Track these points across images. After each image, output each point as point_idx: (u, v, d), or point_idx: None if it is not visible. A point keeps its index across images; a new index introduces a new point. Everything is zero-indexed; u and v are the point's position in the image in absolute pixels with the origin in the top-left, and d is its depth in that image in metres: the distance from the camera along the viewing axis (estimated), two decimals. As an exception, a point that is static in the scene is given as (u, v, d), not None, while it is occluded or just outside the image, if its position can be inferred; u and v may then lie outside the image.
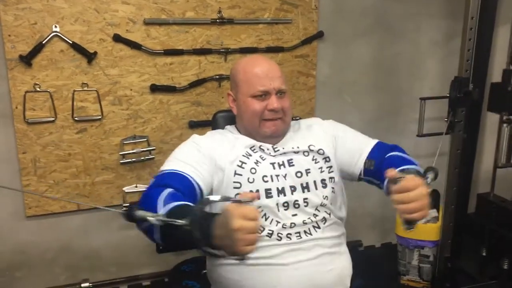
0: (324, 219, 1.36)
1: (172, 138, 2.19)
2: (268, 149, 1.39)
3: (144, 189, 2.12)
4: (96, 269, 2.26)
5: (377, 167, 1.37)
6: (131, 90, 2.08)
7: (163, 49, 2.08)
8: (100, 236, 2.23)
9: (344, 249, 1.42)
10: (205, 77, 2.17)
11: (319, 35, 2.32)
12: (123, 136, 2.12)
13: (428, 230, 2.19)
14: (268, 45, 2.23)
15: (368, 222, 2.72)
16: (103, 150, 2.11)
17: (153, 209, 1.03)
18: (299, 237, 1.31)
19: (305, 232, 1.32)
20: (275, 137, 1.41)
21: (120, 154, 2.11)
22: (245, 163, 1.34)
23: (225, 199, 0.97)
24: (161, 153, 2.18)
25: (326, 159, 1.42)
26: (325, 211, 1.37)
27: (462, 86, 1.82)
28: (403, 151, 1.42)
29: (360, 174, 1.44)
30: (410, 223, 1.07)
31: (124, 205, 2.16)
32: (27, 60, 1.90)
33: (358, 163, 1.43)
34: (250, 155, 1.36)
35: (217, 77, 2.18)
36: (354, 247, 2.63)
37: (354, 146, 1.46)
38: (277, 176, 1.35)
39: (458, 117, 1.86)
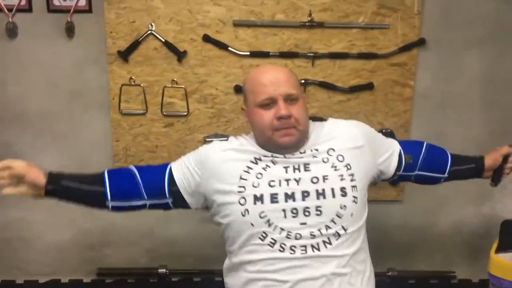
0: (338, 234, 1.24)
1: (253, 140, 2.19)
2: (280, 156, 1.32)
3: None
4: (174, 257, 2.36)
5: (420, 159, 1.50)
6: (216, 89, 2.13)
7: (249, 50, 2.09)
8: (180, 227, 2.33)
9: (363, 267, 1.29)
10: (290, 81, 2.13)
11: (420, 43, 2.12)
12: (206, 134, 2.18)
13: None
14: (360, 51, 2.11)
15: (462, 254, 2.44)
16: (187, 145, 2.19)
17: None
18: (304, 252, 1.22)
19: (312, 246, 1.22)
20: (290, 148, 1.32)
21: (202, 151, 2.18)
22: (252, 169, 1.29)
23: None
24: (241, 154, 2.20)
25: (347, 166, 1.31)
26: (341, 225, 1.25)
27: None
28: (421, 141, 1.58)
29: (397, 170, 1.47)
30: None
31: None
32: (124, 55, 2.05)
33: (392, 161, 1.47)
34: (260, 160, 1.31)
35: (303, 81, 2.12)
36: (445, 278, 2.39)
37: (388, 145, 1.48)
38: (287, 180, 1.27)
39: None
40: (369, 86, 2.14)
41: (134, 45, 2.05)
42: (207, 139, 2.17)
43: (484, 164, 1.54)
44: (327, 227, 1.24)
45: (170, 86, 2.12)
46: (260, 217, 1.24)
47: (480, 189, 2.36)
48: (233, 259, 1.34)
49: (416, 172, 1.50)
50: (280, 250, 1.23)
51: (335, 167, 1.30)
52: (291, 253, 1.22)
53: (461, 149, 2.26)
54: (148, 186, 1.38)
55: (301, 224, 1.23)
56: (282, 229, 1.23)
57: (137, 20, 2.04)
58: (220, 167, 1.33)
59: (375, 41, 2.11)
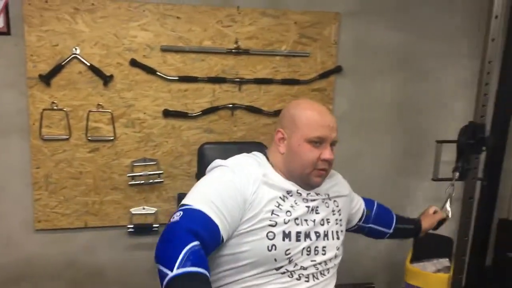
0: (328, 270, 1.37)
1: (182, 164, 2.21)
2: (303, 194, 1.38)
3: (152, 211, 2.18)
4: (99, 287, 2.28)
5: (373, 214, 1.67)
6: (144, 113, 2.13)
7: (178, 75, 2.12)
8: (106, 255, 2.26)
9: None
10: (218, 105, 2.18)
11: (337, 70, 2.29)
12: (134, 158, 2.16)
13: (438, 280, 2.07)
14: (284, 77, 2.23)
15: (380, 266, 2.61)
16: (113, 171, 2.15)
17: (174, 259, 1.07)
18: (307, 280, 1.32)
19: (313, 276, 1.33)
20: (317, 188, 1.41)
21: (130, 176, 2.15)
22: (282, 205, 1.33)
23: None
24: (170, 177, 2.20)
25: (339, 212, 1.44)
26: (334, 263, 1.39)
27: (476, 132, 1.73)
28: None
29: (359, 221, 1.64)
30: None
31: (129, 226, 2.19)
32: (46, 79, 1.98)
33: (358, 213, 1.64)
34: (287, 198, 1.35)
35: (230, 105, 2.19)
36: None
37: (357, 198, 1.64)
38: (306, 220, 1.34)
39: (471, 164, 1.76)
40: (292, 110, 2.25)
41: (57, 69, 1.99)
42: (135, 164, 2.15)
43: (421, 228, 1.75)
44: (325, 263, 1.36)
45: (95, 110, 2.07)
46: (285, 254, 1.29)
47: (392, 204, 2.55)
48: (235, 286, 1.33)
49: (370, 225, 1.67)
50: (289, 276, 1.30)
51: (333, 211, 1.41)
52: (297, 279, 1.31)
53: (376, 166, 2.48)
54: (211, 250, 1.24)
55: (311, 261, 1.33)
56: (296, 264, 1.31)
57: (60, 43, 1.99)
58: (255, 202, 1.30)
59: (297, 68, 2.24)
